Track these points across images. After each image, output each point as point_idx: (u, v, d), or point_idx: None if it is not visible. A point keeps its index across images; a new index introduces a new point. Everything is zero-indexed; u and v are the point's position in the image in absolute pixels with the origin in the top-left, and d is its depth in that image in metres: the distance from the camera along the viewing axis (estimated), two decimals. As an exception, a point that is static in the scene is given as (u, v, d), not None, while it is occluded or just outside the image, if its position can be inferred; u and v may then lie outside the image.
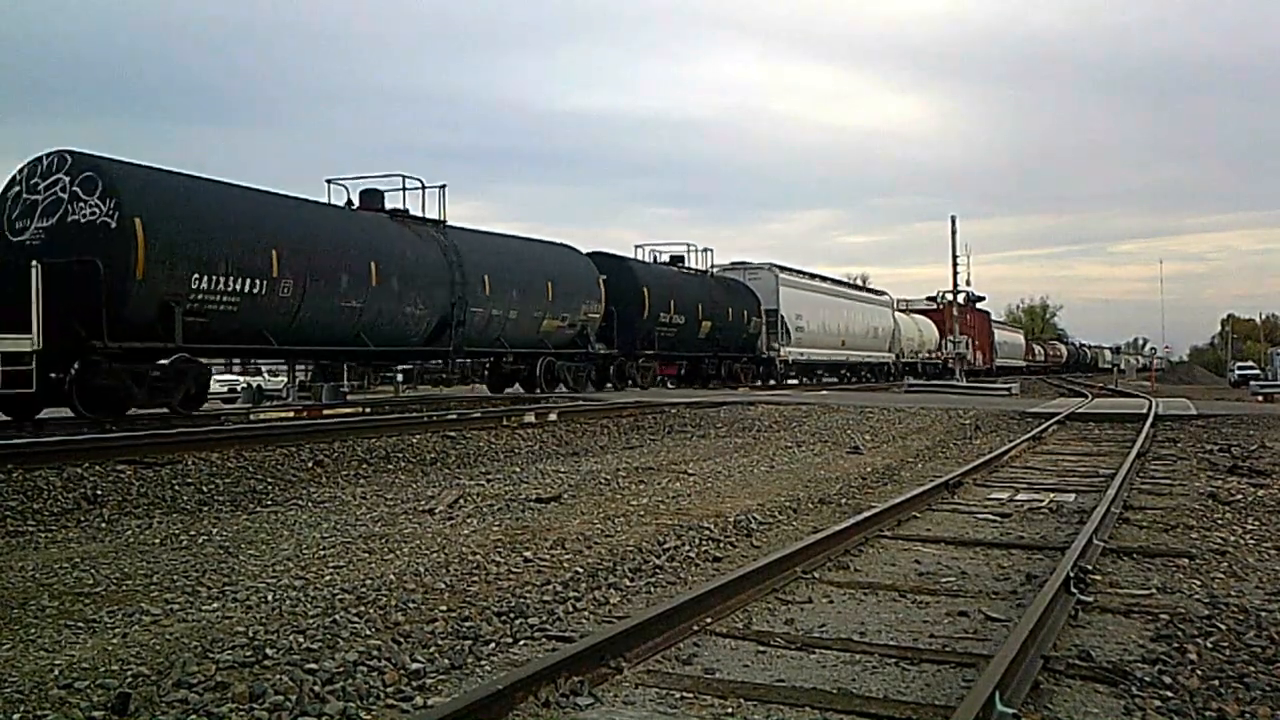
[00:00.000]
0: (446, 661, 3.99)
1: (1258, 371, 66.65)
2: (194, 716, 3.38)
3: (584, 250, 25.95)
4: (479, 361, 22.85)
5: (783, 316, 33.90)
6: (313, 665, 3.84)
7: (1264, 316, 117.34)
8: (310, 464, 10.34)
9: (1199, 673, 3.85)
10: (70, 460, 9.39)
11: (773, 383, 34.12)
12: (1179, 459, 12.03)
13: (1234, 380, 67.25)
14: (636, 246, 29.83)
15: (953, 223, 43.86)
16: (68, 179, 14.02)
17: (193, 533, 6.82)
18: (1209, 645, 4.21)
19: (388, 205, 19.89)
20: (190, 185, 15.48)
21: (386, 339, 18.62)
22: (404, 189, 20.25)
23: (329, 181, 19.68)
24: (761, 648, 4.27)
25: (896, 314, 47.66)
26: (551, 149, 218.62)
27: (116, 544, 6.45)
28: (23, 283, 12.38)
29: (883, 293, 47.92)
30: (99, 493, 8.22)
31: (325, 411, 16.96)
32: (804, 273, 37.93)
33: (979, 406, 21.24)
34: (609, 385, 25.68)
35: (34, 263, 12.68)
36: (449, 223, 20.89)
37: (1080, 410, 20.02)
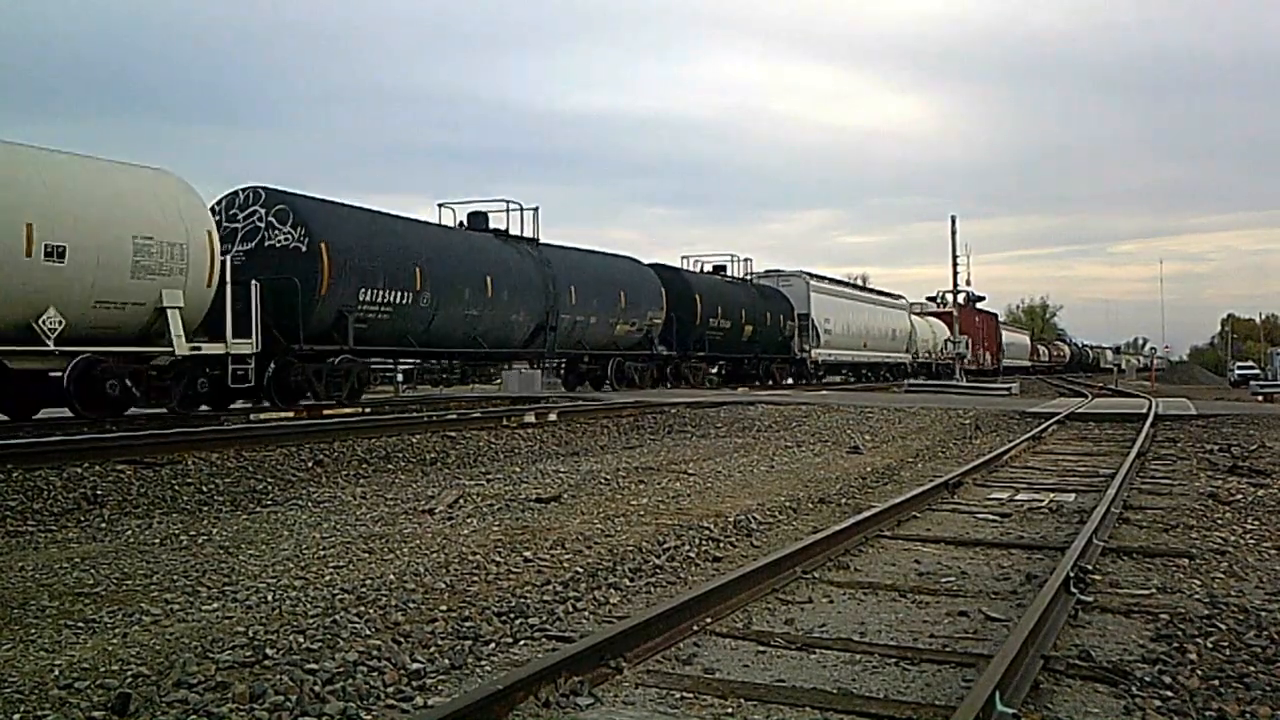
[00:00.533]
0: (446, 661, 3.99)
1: (1258, 371, 66.69)
2: (194, 716, 3.38)
3: (645, 262, 29.03)
4: (558, 360, 25.64)
5: (813, 320, 36.50)
6: (313, 665, 3.84)
7: (1264, 316, 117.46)
8: (310, 464, 10.34)
9: (1199, 673, 3.85)
10: (70, 460, 9.40)
11: (804, 381, 36.63)
12: (1179, 459, 12.03)
13: (1234, 380, 67.27)
14: (683, 257, 34.51)
15: (953, 223, 43.93)
16: (263, 210, 17.05)
17: (193, 533, 6.82)
18: (1209, 645, 4.21)
19: (490, 225, 22.95)
20: (355, 213, 18.75)
21: (496, 342, 21.78)
22: (507, 211, 23.40)
23: (440, 205, 23.15)
24: (761, 648, 4.27)
25: (912, 317, 50.08)
26: (551, 149, 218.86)
27: (116, 544, 6.45)
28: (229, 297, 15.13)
29: (900, 297, 50.41)
30: (99, 493, 8.22)
31: (325, 411, 16.96)
32: (832, 279, 40.89)
33: (979, 406, 21.24)
34: (667, 384, 28.44)
35: (254, 281, 15.44)
36: (541, 240, 23.87)
37: (1080, 410, 20.01)
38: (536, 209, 23.74)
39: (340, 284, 17.18)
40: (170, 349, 14.03)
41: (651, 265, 28.97)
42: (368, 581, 5.30)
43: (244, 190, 17.27)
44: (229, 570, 5.63)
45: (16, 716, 3.38)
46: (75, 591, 5.12)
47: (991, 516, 7.77)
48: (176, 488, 8.65)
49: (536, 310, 22.50)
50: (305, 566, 5.72)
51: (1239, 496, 8.48)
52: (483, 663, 4.03)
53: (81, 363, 13.12)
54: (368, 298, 17.82)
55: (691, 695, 3.67)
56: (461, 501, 8.12)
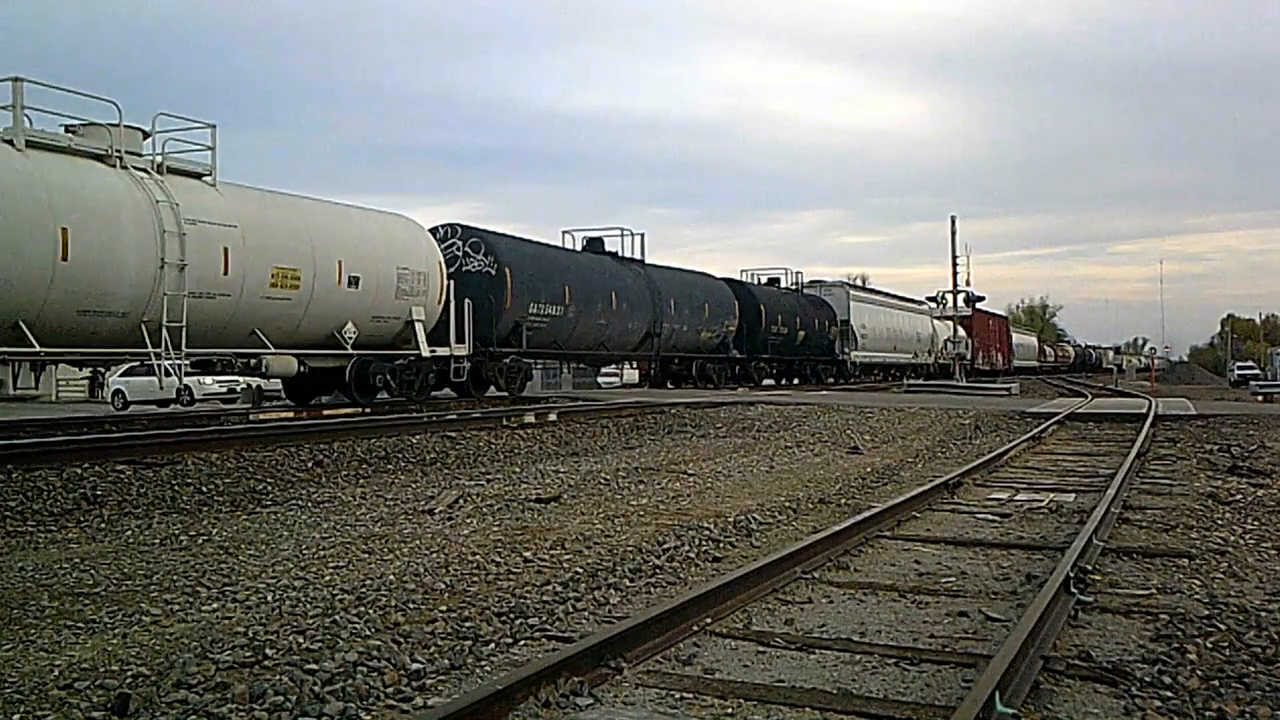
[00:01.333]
0: (446, 662, 3.99)
1: (1258, 371, 66.76)
2: (194, 717, 3.38)
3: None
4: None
5: (851, 326, 40.67)
6: (313, 665, 3.84)
7: (1264, 316, 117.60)
8: (310, 464, 10.34)
9: (1199, 673, 3.85)
10: (70, 460, 9.40)
11: (843, 380, 40.33)
12: (1179, 459, 12.03)
13: (1234, 380, 67.31)
14: (742, 271, 38.37)
15: (952, 223, 43.98)
16: (460, 242, 21.52)
17: (193, 533, 6.82)
18: (1209, 645, 4.21)
19: (606, 248, 27.72)
20: (525, 244, 23.70)
21: (616, 346, 26.88)
22: (621, 236, 28.30)
23: (565, 232, 28.97)
24: (761, 648, 4.27)
25: (933, 321, 53.87)
26: (551, 149, 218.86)
27: (116, 544, 6.45)
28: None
29: (922, 303, 54.16)
30: (99, 493, 8.22)
31: (325, 411, 16.97)
32: (867, 288, 45.18)
33: (978, 406, 21.24)
34: (734, 383, 32.50)
35: (466, 300, 19.85)
36: (646, 261, 28.95)
37: (1080, 410, 20.02)
38: (643, 235, 28.72)
39: (518, 301, 21.67)
40: (417, 351, 18.60)
41: (724, 280, 33.92)
42: (368, 581, 5.30)
43: (443, 227, 21.70)
44: (229, 570, 5.63)
45: (16, 716, 3.38)
46: (75, 591, 5.12)
47: (991, 517, 7.77)
48: (176, 488, 8.65)
49: (646, 320, 27.36)
50: (305, 566, 5.72)
51: (1239, 497, 8.49)
52: (483, 663, 4.03)
53: (358, 361, 17.62)
54: (534, 311, 22.29)
55: (691, 695, 3.67)
56: (461, 502, 8.12)
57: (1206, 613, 4.72)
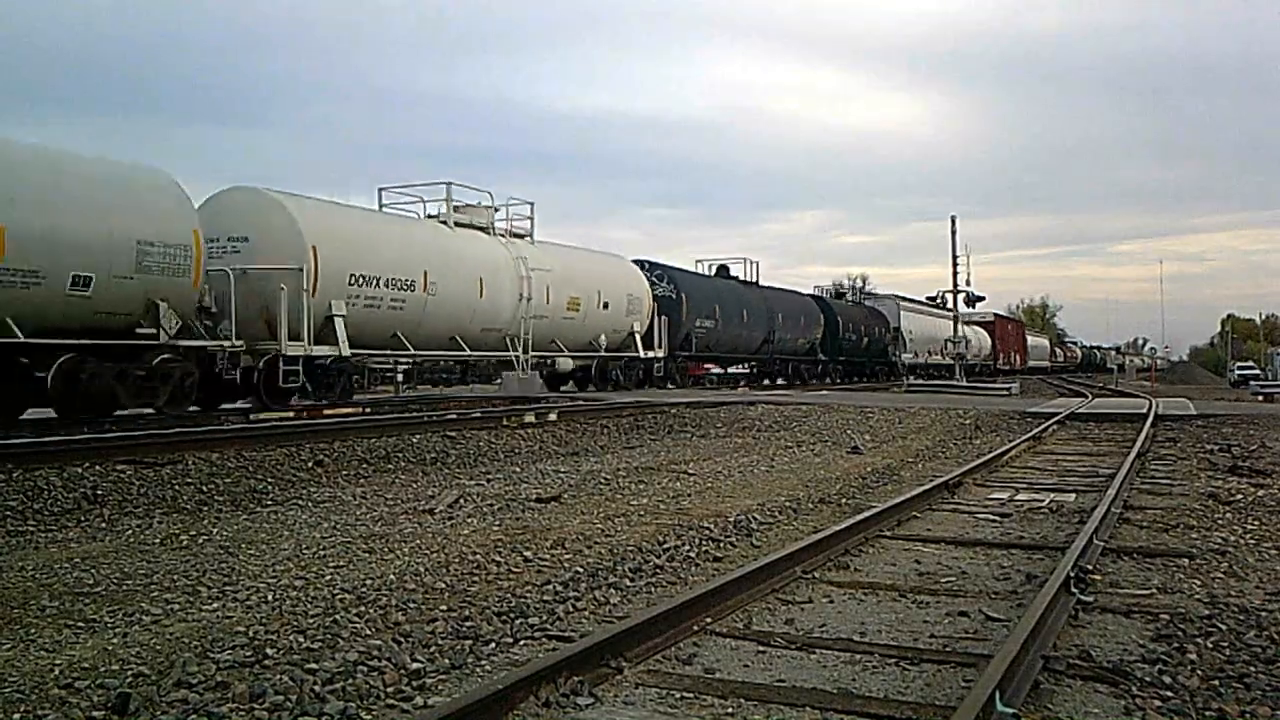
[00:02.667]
0: (446, 661, 3.99)
1: (1258, 371, 66.72)
2: (194, 716, 3.38)
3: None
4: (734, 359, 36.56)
5: (902, 332, 47.21)
6: (313, 665, 3.84)
7: (1264, 316, 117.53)
8: (310, 464, 10.33)
9: (1199, 673, 3.85)
10: (70, 460, 9.39)
11: (895, 379, 44.98)
12: (1179, 459, 12.03)
13: (1234, 380, 67.25)
14: (816, 287, 47.08)
15: (952, 223, 44.03)
16: (651, 274, 28.59)
17: (193, 533, 6.82)
18: (1209, 645, 4.21)
19: (731, 273, 35.62)
20: (689, 274, 31.83)
21: (744, 350, 34.32)
22: (744, 263, 36.39)
23: (698, 261, 36.52)
24: (761, 648, 4.27)
25: (962, 326, 58.70)
26: (550, 149, 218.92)
27: (116, 544, 6.45)
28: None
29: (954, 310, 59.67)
30: (99, 493, 8.22)
31: (325, 411, 16.96)
32: (911, 299, 51.62)
33: (979, 406, 21.23)
34: (815, 380, 39.10)
35: (662, 315, 27.40)
36: (760, 283, 36.49)
37: (1080, 410, 20.00)
38: (758, 262, 36.51)
39: (689, 317, 29.54)
40: (637, 354, 26.44)
41: (812, 296, 42.45)
42: (368, 581, 5.30)
43: (635, 261, 28.62)
44: (229, 570, 5.63)
45: (16, 716, 3.38)
46: (75, 591, 5.12)
47: (991, 516, 7.77)
48: (176, 488, 8.65)
49: (764, 330, 34.53)
50: (305, 566, 5.72)
51: (1239, 496, 8.48)
52: (483, 663, 4.03)
53: (601, 360, 25.44)
54: (699, 324, 30.02)
55: (691, 695, 3.67)
56: (461, 501, 8.12)
57: (1207, 613, 4.72)
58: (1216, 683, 3.75)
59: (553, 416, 16.07)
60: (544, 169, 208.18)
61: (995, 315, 61.45)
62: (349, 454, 11.10)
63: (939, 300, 54.76)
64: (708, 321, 30.49)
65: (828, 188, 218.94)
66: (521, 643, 4.31)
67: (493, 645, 4.23)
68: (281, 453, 10.78)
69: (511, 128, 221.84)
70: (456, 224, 21.03)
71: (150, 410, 13.96)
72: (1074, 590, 4.97)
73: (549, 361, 23.53)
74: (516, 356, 21.67)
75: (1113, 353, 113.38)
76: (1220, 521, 7.34)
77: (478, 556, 5.93)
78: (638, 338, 26.39)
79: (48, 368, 12.59)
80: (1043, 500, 8.54)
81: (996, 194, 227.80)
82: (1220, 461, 11.42)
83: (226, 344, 15.18)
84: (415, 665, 3.91)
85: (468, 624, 4.49)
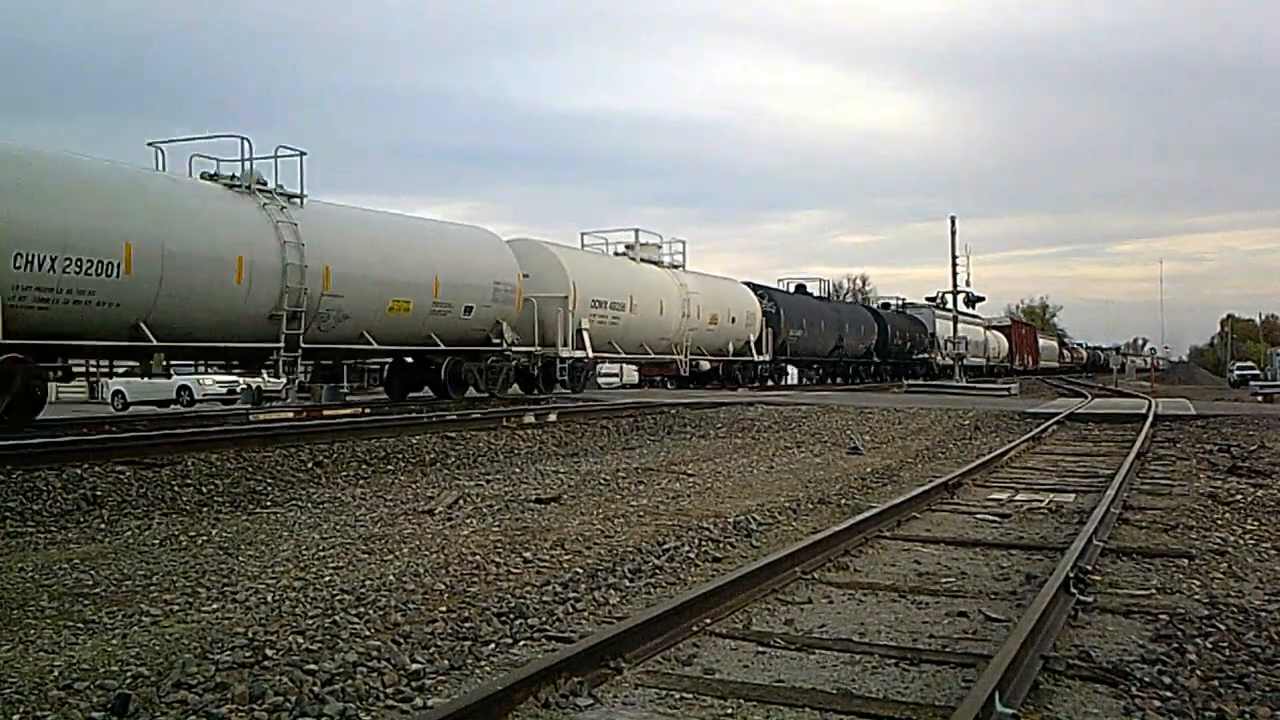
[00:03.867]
0: (446, 662, 3.99)
1: (1257, 371, 66.76)
2: (194, 717, 3.38)
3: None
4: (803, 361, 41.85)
5: (936, 336, 53.00)
6: (312, 666, 3.84)
7: (1264, 316, 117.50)
8: (310, 464, 10.33)
9: (1199, 673, 3.86)
10: (70, 460, 9.39)
11: (932, 378, 49.29)
12: (1178, 459, 12.03)
13: (1234, 380, 67.29)
14: (882, 304, 52.45)
15: (952, 223, 44.17)
16: (757, 293, 34.25)
17: (192, 533, 6.82)
18: (1209, 645, 4.21)
19: (808, 290, 42.48)
20: (782, 292, 38.18)
21: (822, 354, 39.87)
22: (818, 282, 44.00)
23: (779, 280, 44.24)
24: (761, 648, 4.27)
25: (985, 331, 66.12)
26: (549, 149, 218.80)
27: (116, 544, 6.45)
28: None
29: (978, 316, 65.69)
30: (99, 493, 8.22)
31: (325, 412, 16.96)
32: (944, 307, 55.69)
33: (978, 407, 21.24)
34: (870, 379, 44.56)
35: (767, 327, 33.29)
36: (830, 298, 44.93)
37: (1080, 410, 20.01)
38: (830, 281, 44.77)
39: (785, 327, 35.15)
40: (752, 358, 32.60)
41: (868, 308, 50.12)
42: (367, 582, 5.30)
43: (744, 283, 34.47)
44: (229, 571, 5.63)
45: (16, 716, 3.38)
46: (75, 592, 5.12)
47: (991, 517, 7.77)
48: (176, 488, 8.65)
49: (835, 337, 40.49)
50: (305, 567, 5.72)
51: (1238, 497, 8.49)
52: (482, 663, 4.03)
53: (727, 363, 32.06)
54: (792, 334, 35.88)
55: (691, 696, 3.67)
56: (461, 502, 8.12)
57: (1206, 613, 4.72)
58: (1216, 683, 3.75)
59: (552, 417, 16.07)
60: (543, 169, 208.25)
61: (1012, 320, 72.55)
62: (348, 455, 11.10)
63: (939, 300, 55.36)
64: (798, 331, 36.80)
65: (827, 187, 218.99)
66: (521, 643, 4.31)
67: (492, 646, 4.23)
68: (280, 454, 10.78)
69: (511, 128, 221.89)
70: (642, 259, 28.04)
71: (485, 394, 20.66)
72: (1073, 591, 4.97)
73: (694, 363, 30.06)
74: (679, 360, 28.98)
75: (1114, 353, 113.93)
76: (1220, 522, 7.34)
77: (477, 557, 5.93)
78: (752, 345, 32.80)
79: (441, 364, 20.05)
80: (1042, 501, 8.54)
81: (996, 194, 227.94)
82: (1220, 462, 11.43)
83: (535, 349, 21.68)
84: (415, 666, 3.91)
85: (467, 625, 4.49)
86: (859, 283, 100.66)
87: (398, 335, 18.34)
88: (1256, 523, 7.29)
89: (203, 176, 15.87)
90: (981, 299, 52.77)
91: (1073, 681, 3.84)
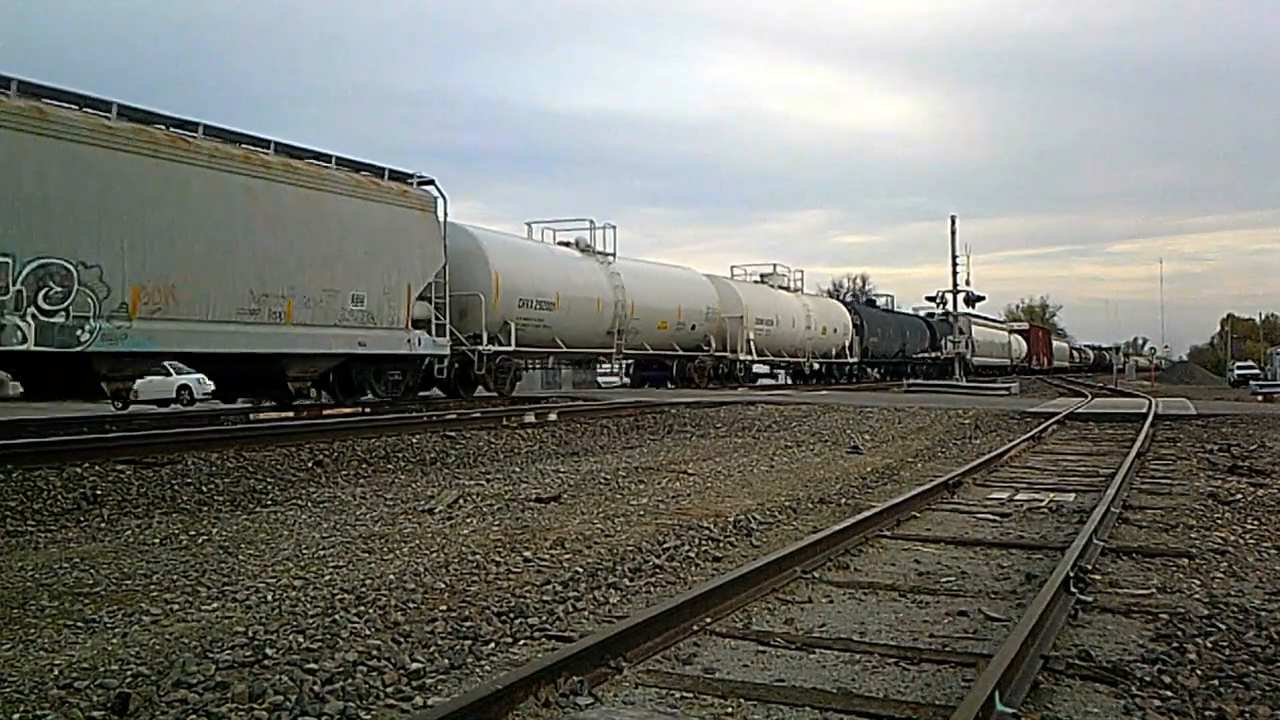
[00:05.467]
0: (446, 661, 3.99)
1: (1257, 371, 66.82)
2: (194, 716, 3.38)
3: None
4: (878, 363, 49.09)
5: (972, 339, 57.76)
6: (312, 665, 3.84)
7: (1264, 316, 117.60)
8: (310, 464, 10.34)
9: (1199, 672, 3.85)
10: (70, 460, 9.39)
11: (965, 377, 54.00)
12: (1179, 459, 12.03)
13: (1234, 380, 67.33)
14: (915, 308, 59.44)
15: (952, 223, 44.08)
16: (846, 308, 43.52)
17: (193, 533, 6.82)
18: (1209, 645, 4.21)
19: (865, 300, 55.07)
20: (863, 304, 52.04)
21: (888, 357, 47.34)
22: (889, 298, 53.05)
23: (855, 295, 60.92)
24: (761, 647, 4.27)
25: (1008, 333, 74.60)
26: (549, 149, 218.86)
27: (116, 544, 6.45)
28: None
29: (1004, 322, 77.71)
30: (99, 493, 8.22)
31: (325, 411, 16.96)
32: (979, 315, 62.23)
33: (979, 406, 21.24)
34: (921, 378, 49.06)
35: (855, 334, 42.75)
36: (895, 310, 53.21)
37: (1080, 410, 20.01)
38: (893, 296, 52.63)
39: (867, 334, 42.91)
40: (847, 359, 41.17)
41: (921, 317, 55.71)
42: (367, 581, 5.30)
43: (833, 298, 46.10)
44: (229, 570, 5.63)
45: (16, 717, 3.38)
46: (75, 591, 5.12)
47: (991, 516, 7.77)
48: (176, 488, 8.65)
49: (899, 343, 48.12)
50: (305, 566, 5.72)
51: (1239, 496, 8.48)
52: (482, 663, 4.03)
53: (829, 363, 40.04)
54: (871, 339, 43.71)
55: (691, 695, 3.67)
56: (461, 501, 8.12)
57: (1206, 612, 4.72)
58: (1216, 682, 3.75)
59: (553, 416, 16.07)
60: (543, 169, 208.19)
61: (1030, 325, 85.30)
62: (348, 454, 11.10)
63: (939, 300, 55.61)
64: (875, 338, 44.70)
65: (827, 187, 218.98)
66: (521, 643, 4.31)
67: (492, 645, 4.23)
68: (281, 453, 10.78)
69: (513, 128, 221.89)
70: (778, 286, 36.69)
71: (702, 385, 29.39)
72: (1073, 590, 4.97)
73: (810, 364, 38.27)
74: (804, 361, 37.27)
75: (1114, 353, 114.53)
76: (1220, 521, 7.34)
77: (477, 556, 5.93)
78: (846, 349, 41.02)
79: (672, 364, 30.66)
80: (1042, 500, 8.54)
81: (996, 194, 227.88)
82: (1220, 461, 11.42)
83: (727, 354, 31.23)
84: (415, 665, 3.91)
85: (467, 624, 4.49)
86: (858, 282, 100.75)
87: (658, 344, 28.58)
88: (1257, 522, 7.29)
89: (559, 243, 25.39)
90: (982, 298, 52.41)
91: (1073, 681, 3.84)
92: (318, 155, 16.48)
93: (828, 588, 5.37)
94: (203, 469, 9.56)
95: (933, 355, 52.28)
